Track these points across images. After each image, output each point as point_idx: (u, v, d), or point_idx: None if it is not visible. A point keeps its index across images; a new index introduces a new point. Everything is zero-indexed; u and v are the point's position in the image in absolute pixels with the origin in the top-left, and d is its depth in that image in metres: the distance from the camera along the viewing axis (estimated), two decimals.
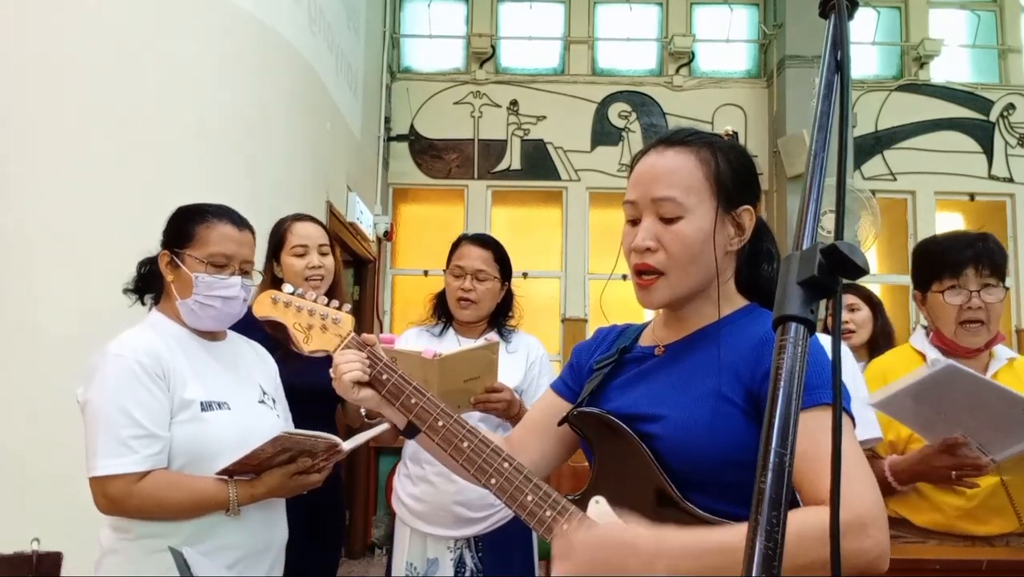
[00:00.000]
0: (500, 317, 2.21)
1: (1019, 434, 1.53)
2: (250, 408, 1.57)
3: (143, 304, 1.64)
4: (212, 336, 1.62)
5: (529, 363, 2.14)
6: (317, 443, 1.50)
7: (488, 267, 2.12)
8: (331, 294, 1.87)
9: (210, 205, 1.61)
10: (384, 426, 1.71)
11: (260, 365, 1.71)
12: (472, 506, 2.01)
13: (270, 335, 1.87)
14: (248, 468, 1.48)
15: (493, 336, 2.04)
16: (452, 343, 2.16)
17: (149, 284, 1.63)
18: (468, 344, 2.14)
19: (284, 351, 1.88)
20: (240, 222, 1.61)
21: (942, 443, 1.60)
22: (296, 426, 1.65)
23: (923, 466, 1.64)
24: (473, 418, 2.00)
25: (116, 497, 1.40)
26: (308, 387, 1.85)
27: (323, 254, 2.10)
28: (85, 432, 1.45)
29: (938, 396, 1.53)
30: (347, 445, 1.55)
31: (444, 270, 2.18)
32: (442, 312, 2.22)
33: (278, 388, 1.72)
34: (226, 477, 1.47)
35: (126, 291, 1.63)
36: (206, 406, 1.49)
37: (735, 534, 0.89)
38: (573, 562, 0.95)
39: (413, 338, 2.19)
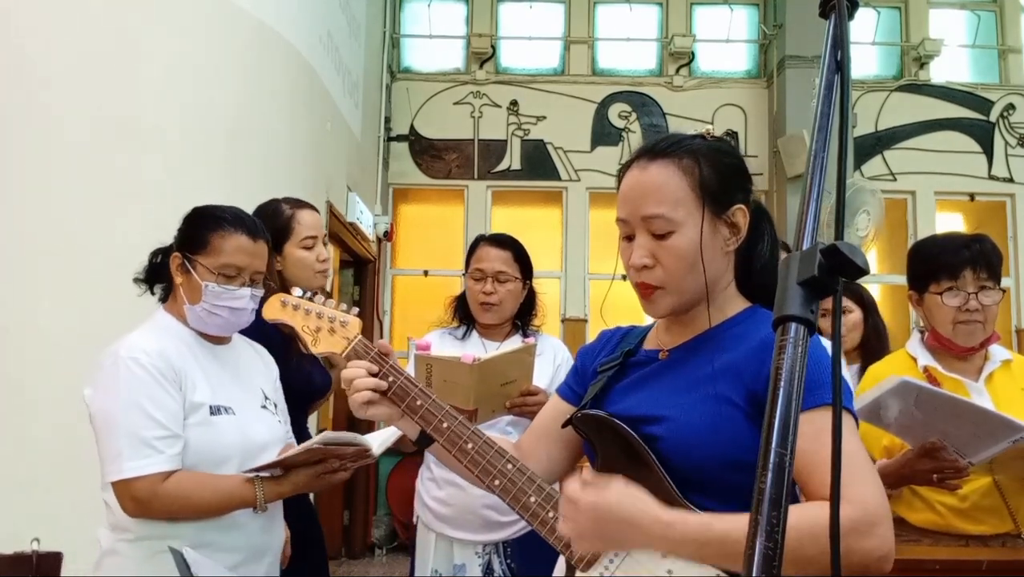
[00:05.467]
0: (524, 317, 2.17)
1: (989, 439, 1.58)
2: (253, 413, 1.58)
3: (152, 294, 1.62)
4: (218, 340, 1.62)
5: (556, 365, 2.10)
6: (347, 449, 1.51)
7: (508, 268, 2.07)
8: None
9: (226, 211, 1.58)
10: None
11: (262, 369, 1.71)
12: (501, 510, 1.94)
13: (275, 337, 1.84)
14: (277, 468, 1.50)
15: (530, 339, 1.99)
16: (476, 345, 2.11)
17: (160, 275, 1.62)
18: (493, 346, 2.10)
19: (293, 355, 1.88)
20: (255, 231, 1.57)
21: (921, 448, 1.64)
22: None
23: (906, 470, 1.68)
24: (504, 421, 1.98)
25: (143, 499, 1.39)
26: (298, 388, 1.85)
27: (325, 244, 2.02)
28: (99, 436, 1.43)
29: (908, 406, 1.57)
30: (376, 449, 1.57)
31: (463, 273, 2.13)
32: (463, 315, 2.17)
33: (278, 391, 1.72)
34: (252, 475, 1.48)
35: (136, 280, 1.62)
36: (215, 410, 1.50)
37: (739, 525, 0.90)
38: (574, 526, 0.96)
39: (436, 340, 2.14)
